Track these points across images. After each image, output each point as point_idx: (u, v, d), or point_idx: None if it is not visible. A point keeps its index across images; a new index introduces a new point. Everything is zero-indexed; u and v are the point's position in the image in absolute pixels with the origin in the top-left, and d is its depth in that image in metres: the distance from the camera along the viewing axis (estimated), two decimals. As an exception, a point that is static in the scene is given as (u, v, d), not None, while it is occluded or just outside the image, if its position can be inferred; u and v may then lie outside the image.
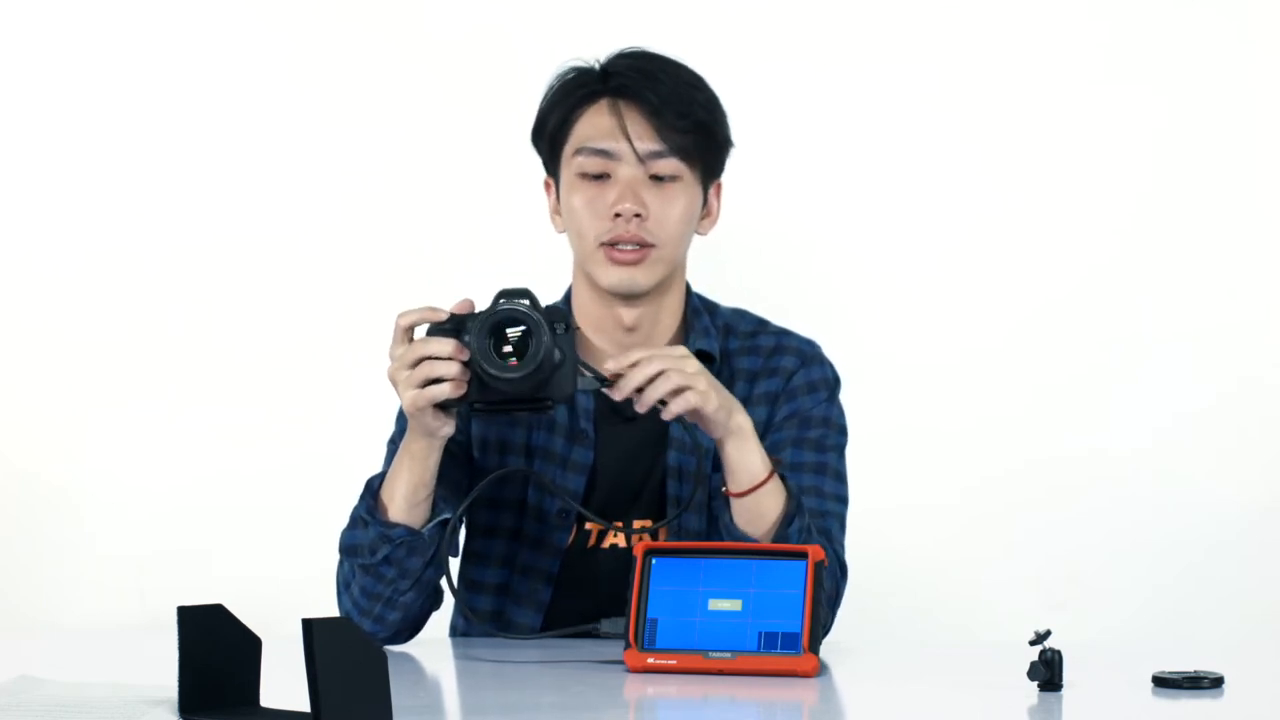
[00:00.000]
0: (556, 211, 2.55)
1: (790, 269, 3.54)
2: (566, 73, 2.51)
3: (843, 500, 2.53)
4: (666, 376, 2.27)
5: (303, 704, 1.85)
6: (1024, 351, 3.55)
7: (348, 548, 2.39)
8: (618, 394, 2.29)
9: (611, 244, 2.45)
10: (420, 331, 2.31)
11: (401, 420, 2.56)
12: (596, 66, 2.50)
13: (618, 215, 2.43)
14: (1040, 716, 1.95)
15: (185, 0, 3.61)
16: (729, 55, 3.48)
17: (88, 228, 3.61)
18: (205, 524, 3.56)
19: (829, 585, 2.38)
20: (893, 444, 3.53)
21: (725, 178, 2.58)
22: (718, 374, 2.52)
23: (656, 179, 2.45)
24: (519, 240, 3.38)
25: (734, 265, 3.32)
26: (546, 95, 2.52)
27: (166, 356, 3.59)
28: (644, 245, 2.45)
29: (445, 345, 2.26)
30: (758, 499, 2.35)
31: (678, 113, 2.44)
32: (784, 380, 2.54)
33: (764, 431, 2.51)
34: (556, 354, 2.25)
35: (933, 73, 3.57)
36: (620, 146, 2.44)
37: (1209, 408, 3.53)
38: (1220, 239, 3.55)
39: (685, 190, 2.47)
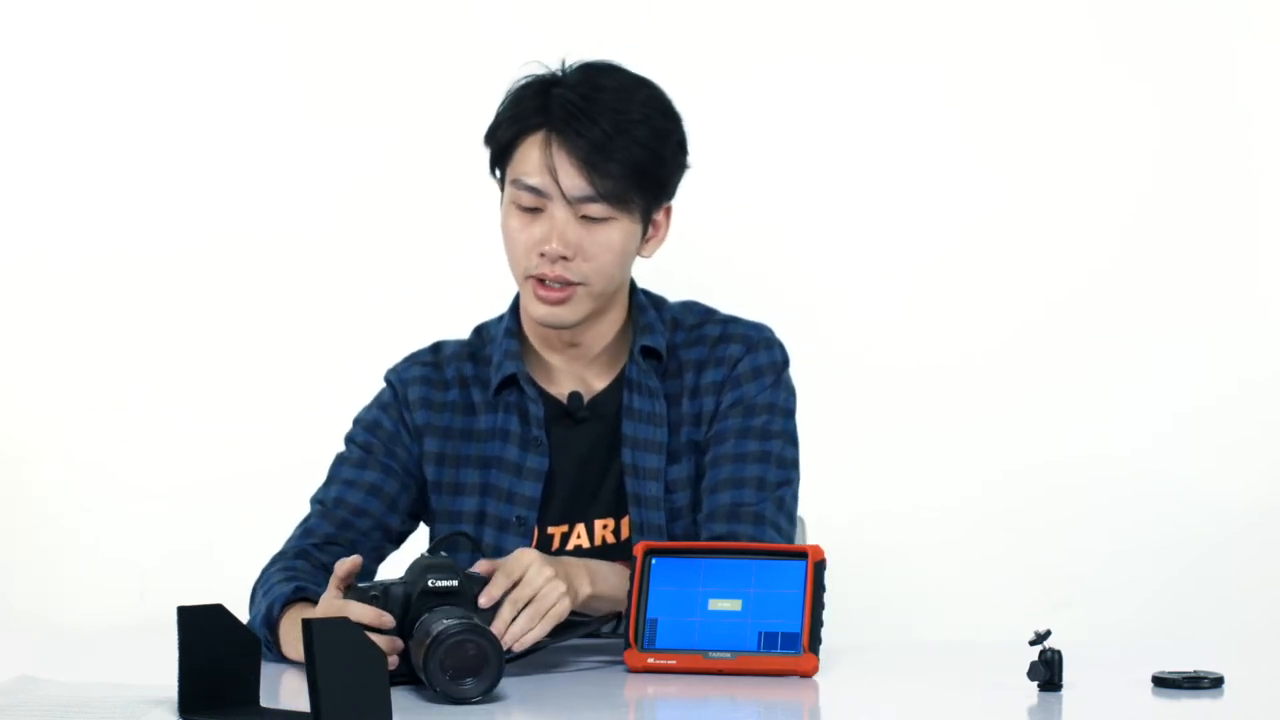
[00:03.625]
0: None
1: (791, 271, 3.54)
2: (521, 84, 2.46)
3: (787, 483, 2.51)
4: (528, 615, 2.19)
5: (303, 704, 1.85)
6: (1024, 352, 3.55)
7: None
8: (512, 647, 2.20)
9: (538, 279, 2.45)
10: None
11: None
12: (556, 74, 2.46)
13: (543, 254, 2.43)
14: (1040, 716, 1.96)
15: (175, 2, 3.61)
16: (709, 54, 3.48)
17: (87, 234, 3.61)
18: (205, 524, 3.56)
19: None
20: (892, 445, 3.53)
21: (725, 178, 2.56)
22: (665, 368, 2.53)
23: (588, 218, 2.44)
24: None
25: (730, 268, 3.32)
26: (502, 103, 2.48)
27: (166, 357, 3.59)
28: (569, 284, 2.44)
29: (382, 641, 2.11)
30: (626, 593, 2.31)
31: (610, 157, 2.40)
32: (729, 368, 2.53)
33: (710, 421, 2.51)
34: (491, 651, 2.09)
35: (936, 69, 3.56)
36: (550, 187, 2.42)
37: (1209, 408, 3.53)
38: (1220, 240, 3.55)
39: (619, 227, 2.44)
